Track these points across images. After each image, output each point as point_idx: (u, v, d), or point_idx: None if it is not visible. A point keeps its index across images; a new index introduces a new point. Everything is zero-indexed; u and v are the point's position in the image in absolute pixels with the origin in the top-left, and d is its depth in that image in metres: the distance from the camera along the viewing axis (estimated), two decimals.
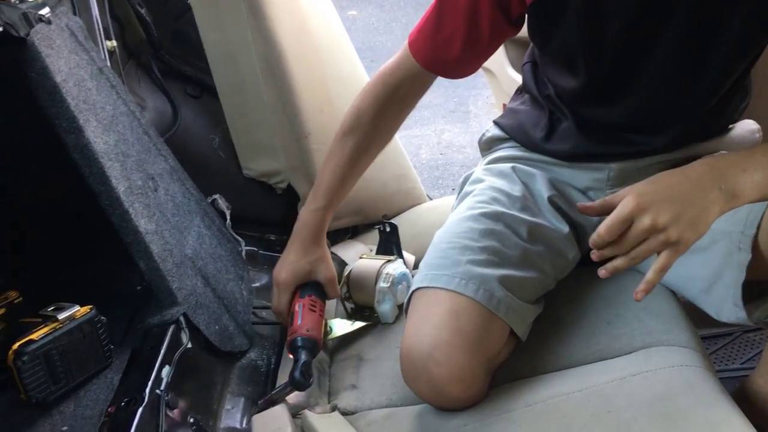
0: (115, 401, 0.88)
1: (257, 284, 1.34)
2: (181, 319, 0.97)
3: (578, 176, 1.08)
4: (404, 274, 1.22)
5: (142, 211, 1.00)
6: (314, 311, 1.09)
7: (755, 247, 0.87)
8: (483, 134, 1.21)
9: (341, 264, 1.38)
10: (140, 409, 0.82)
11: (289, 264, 1.11)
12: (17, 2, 1.00)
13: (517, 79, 1.45)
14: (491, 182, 1.10)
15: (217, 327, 1.04)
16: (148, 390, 0.85)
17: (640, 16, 0.87)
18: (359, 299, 1.22)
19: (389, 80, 1.05)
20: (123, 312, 1.08)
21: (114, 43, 1.37)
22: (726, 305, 0.91)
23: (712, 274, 0.92)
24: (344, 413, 1.02)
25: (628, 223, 0.79)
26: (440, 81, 1.08)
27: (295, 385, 0.98)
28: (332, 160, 1.10)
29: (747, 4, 0.85)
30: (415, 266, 1.33)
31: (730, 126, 1.05)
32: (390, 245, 1.30)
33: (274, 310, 1.14)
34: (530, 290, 1.01)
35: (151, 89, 1.49)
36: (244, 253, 1.36)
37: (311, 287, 1.12)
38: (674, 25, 0.87)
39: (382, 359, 1.11)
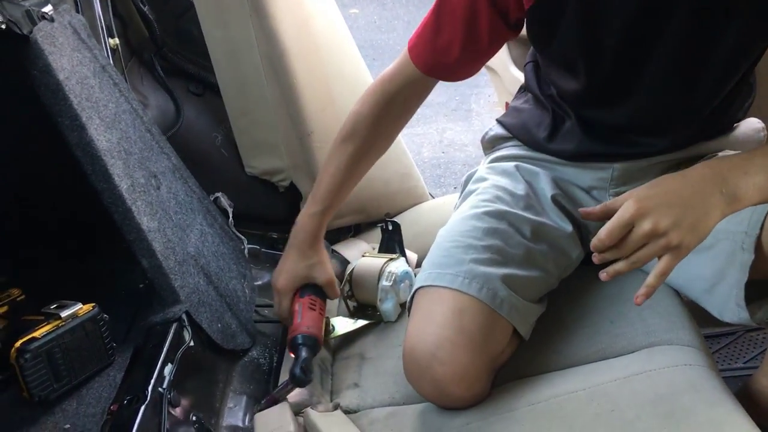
0: (118, 399, 0.88)
1: (259, 282, 1.34)
2: (184, 317, 0.97)
3: (582, 175, 1.08)
4: (406, 273, 1.22)
5: (145, 209, 1.00)
6: (314, 309, 1.09)
7: (758, 247, 0.87)
8: (486, 133, 1.21)
9: (343, 262, 1.38)
10: (142, 407, 0.82)
11: (286, 270, 1.11)
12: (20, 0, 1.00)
13: (520, 77, 1.45)
14: (495, 181, 1.10)
15: (219, 325, 1.04)
16: (150, 388, 0.85)
17: (638, 19, 0.86)
18: (361, 298, 1.22)
19: (388, 86, 1.05)
20: (125, 310, 1.09)
21: (116, 40, 1.36)
22: (728, 305, 0.91)
23: (715, 274, 0.92)
24: (346, 411, 1.02)
25: (629, 227, 0.79)
26: None
27: (295, 381, 0.98)
28: (330, 165, 1.10)
29: (747, 4, 0.84)
30: (418, 265, 1.33)
31: (735, 125, 1.05)
32: (392, 243, 1.30)
33: (277, 316, 1.15)
34: (533, 289, 1.01)
35: (154, 87, 1.49)
36: (246, 251, 1.36)
37: (311, 287, 1.12)
38: (674, 26, 0.86)
39: (385, 358, 1.11)
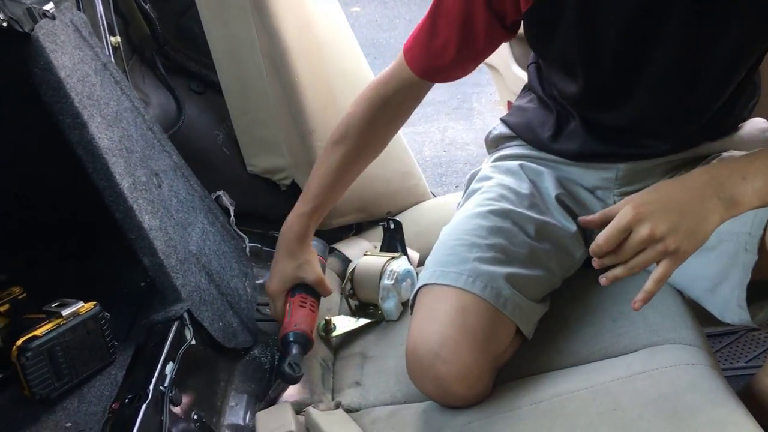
0: (119, 398, 0.88)
1: (261, 281, 1.33)
2: (185, 315, 0.97)
3: (586, 175, 1.07)
4: (408, 271, 1.22)
5: (146, 208, 1.00)
6: (304, 306, 1.10)
7: (761, 248, 0.87)
8: (490, 132, 1.21)
9: (345, 261, 1.38)
10: (144, 406, 0.82)
11: (276, 273, 1.12)
12: None
13: (522, 76, 1.45)
14: (499, 179, 1.10)
15: (220, 323, 1.04)
16: (151, 386, 0.85)
17: (638, 19, 0.86)
18: (363, 296, 1.22)
19: (383, 89, 1.04)
20: (127, 308, 1.08)
21: (118, 38, 1.36)
22: (730, 306, 0.91)
23: (717, 275, 0.92)
24: (348, 410, 1.02)
25: (627, 232, 0.79)
26: None
27: (283, 378, 0.98)
28: (321, 166, 1.09)
29: (747, 4, 0.84)
30: (419, 263, 1.33)
31: (740, 124, 1.04)
32: (394, 242, 1.30)
33: (274, 318, 1.15)
34: (537, 288, 1.01)
35: (155, 85, 1.49)
36: (247, 249, 1.36)
37: (302, 286, 1.13)
38: (673, 27, 0.85)
39: (386, 356, 1.11)
